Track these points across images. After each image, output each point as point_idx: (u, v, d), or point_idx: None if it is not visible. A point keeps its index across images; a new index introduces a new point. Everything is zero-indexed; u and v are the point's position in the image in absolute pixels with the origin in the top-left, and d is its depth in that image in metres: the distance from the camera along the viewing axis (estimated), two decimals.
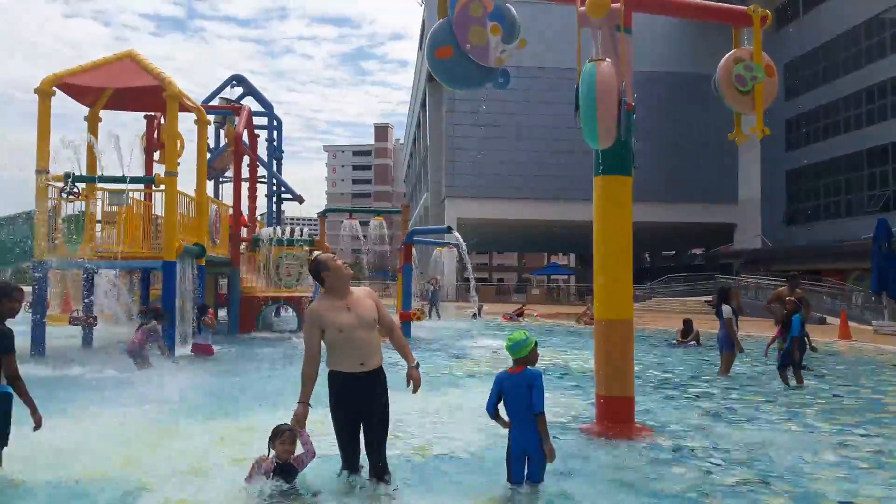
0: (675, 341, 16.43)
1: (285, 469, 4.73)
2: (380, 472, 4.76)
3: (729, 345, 10.85)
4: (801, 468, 5.52)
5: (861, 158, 35.91)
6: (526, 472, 4.68)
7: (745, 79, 7.11)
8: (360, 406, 4.69)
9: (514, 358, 4.74)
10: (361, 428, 4.77)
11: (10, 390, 4.85)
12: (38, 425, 4.93)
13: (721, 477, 5.25)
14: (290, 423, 4.66)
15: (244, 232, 19.29)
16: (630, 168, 6.76)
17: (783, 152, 41.68)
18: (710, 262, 54.14)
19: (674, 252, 68.41)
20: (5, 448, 4.97)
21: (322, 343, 4.70)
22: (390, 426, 4.90)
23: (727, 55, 7.24)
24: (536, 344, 4.78)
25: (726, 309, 10.84)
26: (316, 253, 5.09)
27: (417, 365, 4.83)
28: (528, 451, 4.61)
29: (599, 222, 6.78)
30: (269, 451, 4.80)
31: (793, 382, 9.82)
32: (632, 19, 6.77)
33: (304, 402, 4.59)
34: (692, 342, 16.05)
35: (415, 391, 4.78)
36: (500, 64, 6.56)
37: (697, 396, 9.08)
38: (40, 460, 5.46)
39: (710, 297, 12.50)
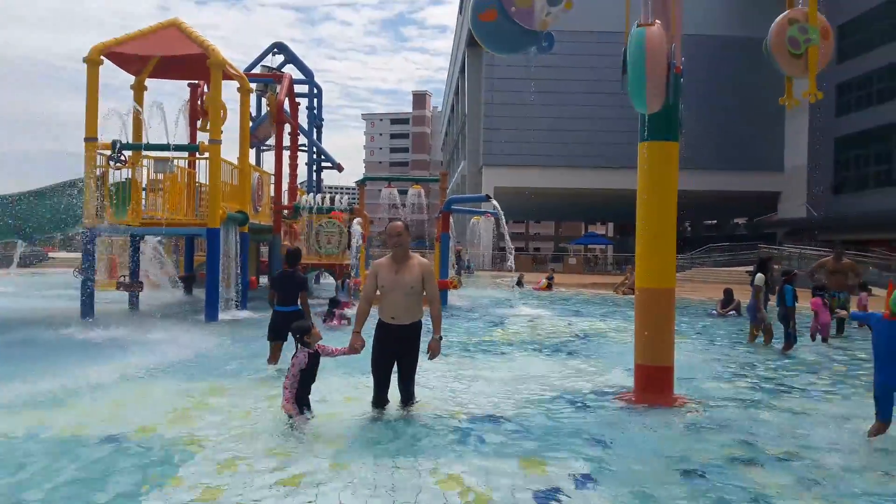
0: (714, 311, 16.24)
1: (315, 357, 5.67)
2: (406, 400, 5.97)
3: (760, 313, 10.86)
4: (844, 439, 5.44)
5: None
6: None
7: (799, 41, 6.88)
8: (391, 350, 5.81)
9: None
10: (395, 368, 5.88)
11: (300, 308, 8.00)
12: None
13: (762, 448, 5.20)
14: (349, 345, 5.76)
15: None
16: (677, 133, 6.61)
17: (832, 118, 40.30)
18: (752, 231, 53.08)
19: (715, 221, 67.16)
20: None
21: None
22: (451, 396, 6.21)
23: (781, 16, 7.00)
24: None
25: (758, 277, 10.81)
26: (397, 223, 5.82)
27: (440, 338, 5.85)
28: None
29: (644, 189, 6.66)
30: (298, 346, 5.66)
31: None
32: None
33: (357, 332, 5.73)
34: (732, 312, 15.86)
35: (430, 358, 5.83)
36: (545, 27, 6.46)
37: (737, 367, 8.99)
38: (92, 417, 5.71)
39: (751, 268, 12.46)
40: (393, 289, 5.69)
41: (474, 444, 5.16)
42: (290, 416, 5.48)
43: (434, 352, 5.79)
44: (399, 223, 5.78)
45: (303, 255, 18.99)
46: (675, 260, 6.87)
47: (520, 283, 25.52)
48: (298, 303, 8.07)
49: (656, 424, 5.82)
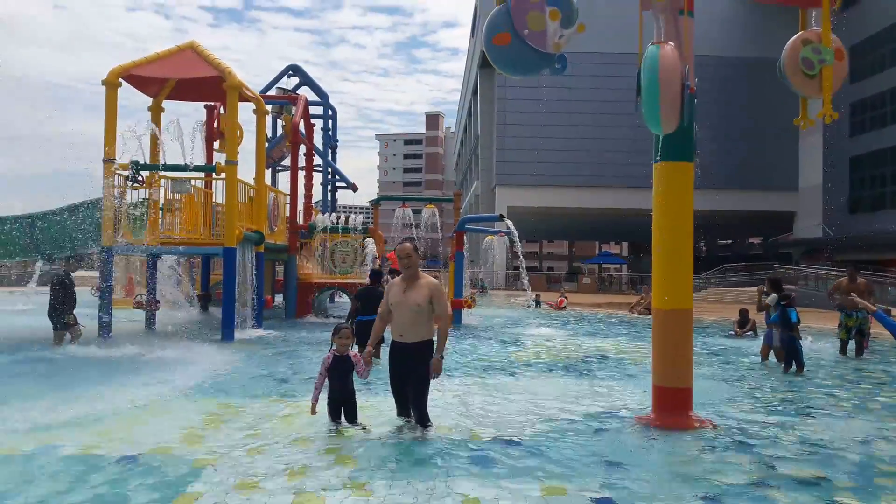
0: (731, 332, 16.10)
1: (343, 362, 5.97)
2: (418, 421, 5.94)
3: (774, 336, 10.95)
4: (865, 462, 5.37)
5: None
6: None
7: (813, 62, 6.87)
8: (400, 367, 5.90)
9: None
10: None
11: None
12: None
13: (782, 470, 5.13)
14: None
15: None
16: (692, 154, 6.60)
17: (847, 138, 40.12)
18: (768, 251, 52.70)
19: (730, 241, 66.74)
20: None
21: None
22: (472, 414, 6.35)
23: (794, 37, 7.00)
24: None
25: (771, 297, 10.89)
26: (405, 244, 5.98)
27: (442, 357, 5.82)
28: None
29: (659, 210, 6.64)
30: (332, 345, 6.02)
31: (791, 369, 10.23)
32: (694, 2, 6.60)
33: (370, 345, 5.99)
34: (749, 332, 15.72)
35: (434, 377, 5.80)
36: (558, 49, 6.49)
37: (755, 388, 8.89)
38: (107, 435, 5.73)
39: (763, 286, 12.39)
40: (400, 307, 5.83)
41: (491, 466, 5.12)
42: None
43: (436, 371, 5.78)
44: (408, 244, 5.91)
45: (317, 274, 19.27)
46: (692, 281, 6.83)
47: (538, 303, 25.48)
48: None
49: (675, 447, 5.76)
